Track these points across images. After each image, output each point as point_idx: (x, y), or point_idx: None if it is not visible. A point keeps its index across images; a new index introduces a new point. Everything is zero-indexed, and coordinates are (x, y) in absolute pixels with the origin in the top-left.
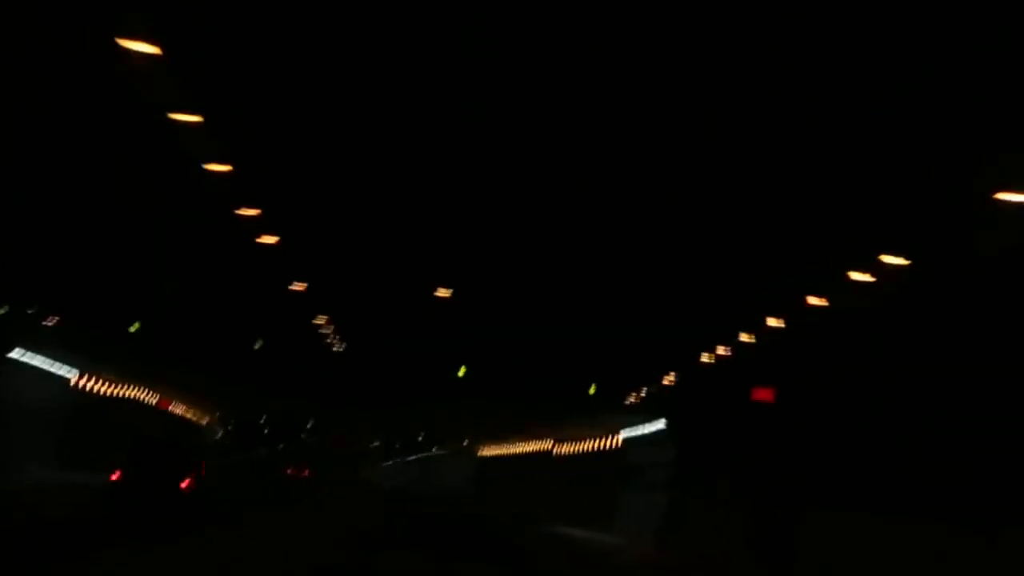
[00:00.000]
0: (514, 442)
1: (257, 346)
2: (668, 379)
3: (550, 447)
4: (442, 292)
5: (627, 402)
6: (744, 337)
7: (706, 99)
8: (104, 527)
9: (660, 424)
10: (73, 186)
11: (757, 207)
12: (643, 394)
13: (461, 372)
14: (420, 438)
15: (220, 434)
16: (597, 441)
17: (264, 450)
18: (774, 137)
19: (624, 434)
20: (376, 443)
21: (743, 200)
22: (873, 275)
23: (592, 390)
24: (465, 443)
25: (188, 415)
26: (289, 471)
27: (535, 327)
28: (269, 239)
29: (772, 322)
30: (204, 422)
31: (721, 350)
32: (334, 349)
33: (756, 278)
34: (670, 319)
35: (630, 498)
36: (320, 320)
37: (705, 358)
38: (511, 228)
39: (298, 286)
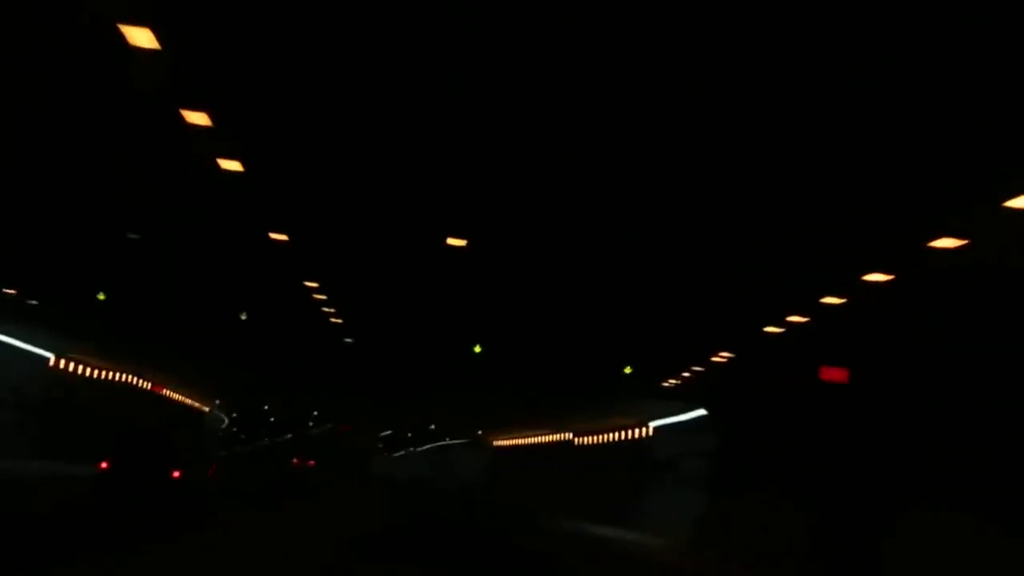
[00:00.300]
0: (533, 432)
1: (244, 317)
2: (717, 357)
3: (573, 437)
4: (454, 241)
5: (664, 385)
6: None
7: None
8: (91, 523)
9: (701, 411)
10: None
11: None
12: (685, 374)
13: (477, 349)
14: (432, 427)
15: (226, 423)
16: (627, 432)
17: (271, 442)
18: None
19: (659, 422)
20: (387, 432)
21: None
22: None
23: (627, 370)
24: (479, 432)
25: (187, 402)
26: (295, 461)
27: (560, 299)
28: (230, 163)
29: (875, 277)
30: (206, 410)
31: (792, 318)
32: (332, 321)
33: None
34: (718, 286)
35: (664, 494)
36: (312, 284)
37: (760, 331)
38: (537, 179)
39: (279, 236)
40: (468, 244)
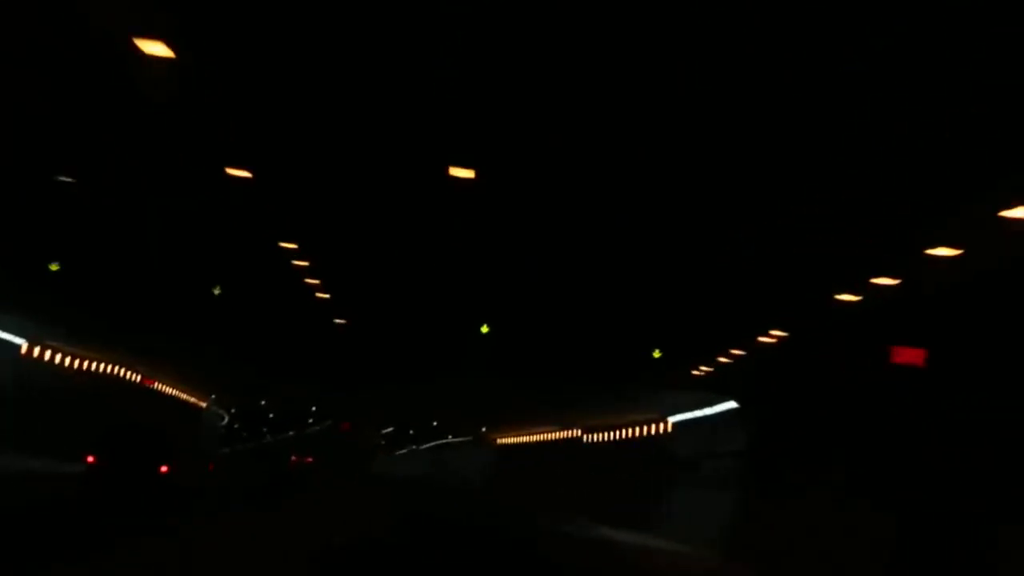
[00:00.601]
0: (542, 429)
1: (217, 291)
2: (767, 337)
3: (586, 433)
4: (461, 175)
5: (693, 373)
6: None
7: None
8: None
9: (729, 404)
10: None
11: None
12: (721, 359)
13: (484, 329)
14: (435, 424)
15: (226, 420)
16: (646, 427)
17: (272, 439)
18: None
19: (683, 416)
20: (389, 428)
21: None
22: None
23: (656, 354)
24: (483, 430)
25: (182, 397)
26: (293, 459)
27: (582, 261)
28: (154, 46)
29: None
30: (203, 406)
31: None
32: (317, 296)
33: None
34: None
35: (686, 495)
36: (289, 246)
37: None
38: (555, 109)
39: (239, 172)
40: (475, 176)
